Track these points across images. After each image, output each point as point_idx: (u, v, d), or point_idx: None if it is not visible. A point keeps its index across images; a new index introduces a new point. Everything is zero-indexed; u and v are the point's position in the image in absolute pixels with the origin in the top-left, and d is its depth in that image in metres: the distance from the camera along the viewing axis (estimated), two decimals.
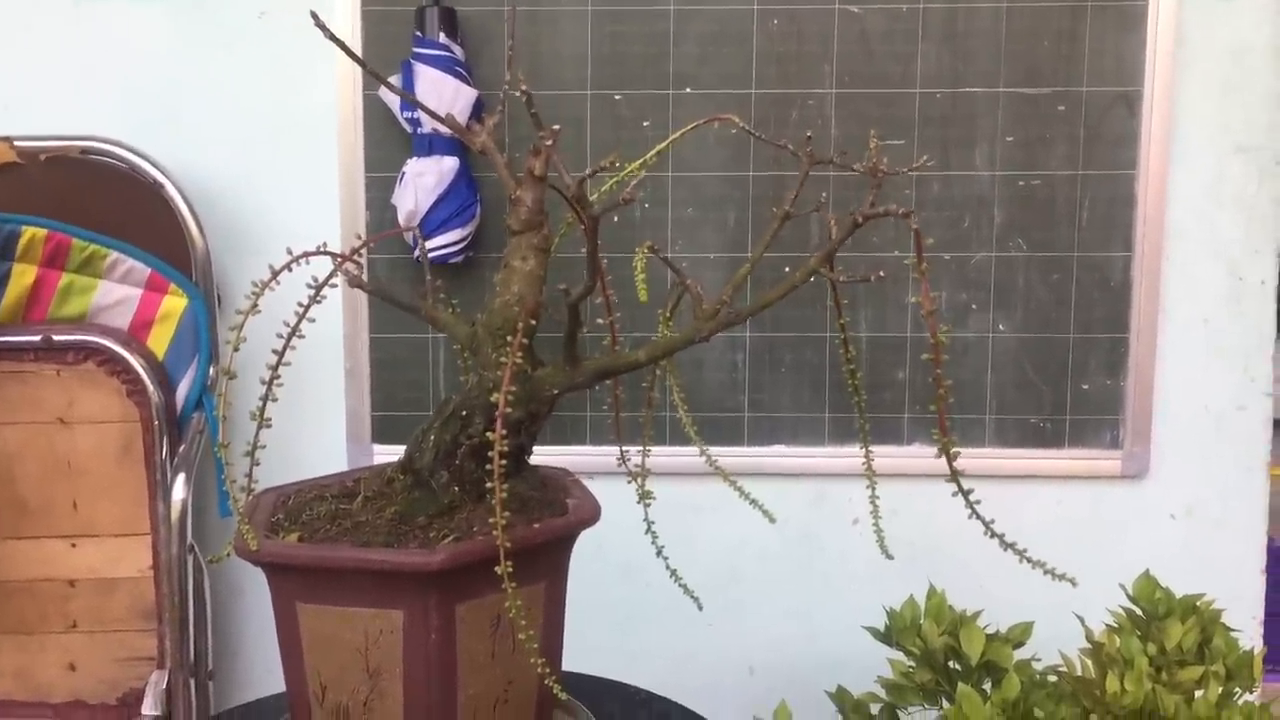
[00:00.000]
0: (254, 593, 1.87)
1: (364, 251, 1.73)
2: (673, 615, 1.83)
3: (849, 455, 1.81)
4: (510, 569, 0.89)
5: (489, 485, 0.89)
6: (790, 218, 1.04)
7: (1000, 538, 0.87)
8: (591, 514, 1.04)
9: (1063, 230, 1.78)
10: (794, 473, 1.82)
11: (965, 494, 0.83)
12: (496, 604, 0.94)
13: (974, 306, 1.79)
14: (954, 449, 0.84)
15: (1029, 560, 0.87)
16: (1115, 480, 1.83)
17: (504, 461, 0.90)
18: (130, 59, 1.79)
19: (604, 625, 1.85)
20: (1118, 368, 1.80)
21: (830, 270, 0.97)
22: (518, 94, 0.81)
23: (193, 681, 1.70)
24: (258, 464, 1.00)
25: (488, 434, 0.91)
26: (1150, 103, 1.74)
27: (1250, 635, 1.79)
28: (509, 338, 0.95)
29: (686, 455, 1.69)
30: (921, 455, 1.81)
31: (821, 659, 1.85)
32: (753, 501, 1.10)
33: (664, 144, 1.02)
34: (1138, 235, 1.77)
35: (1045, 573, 0.87)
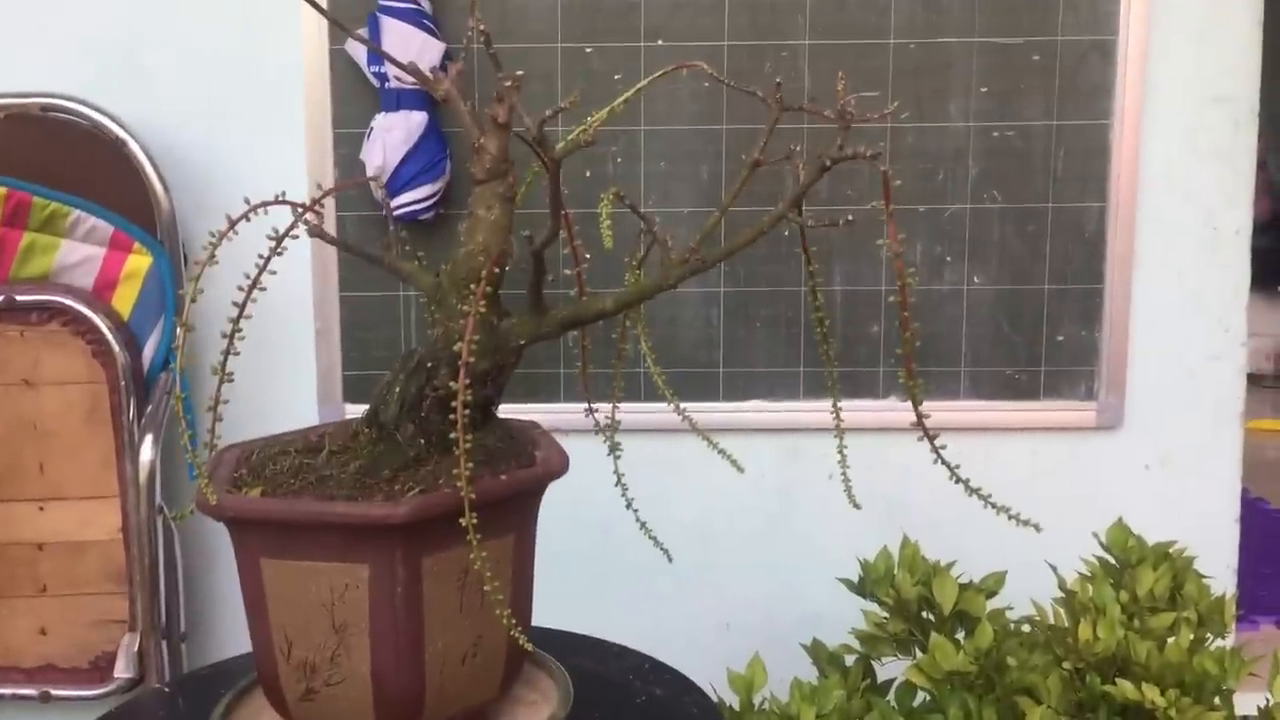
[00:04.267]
0: (225, 554, 1.83)
1: (330, 206, 1.71)
2: (647, 574, 1.82)
3: (824, 410, 1.77)
4: (476, 521, 0.88)
5: (454, 436, 0.88)
6: (760, 165, 1.02)
7: (965, 483, 0.86)
8: (559, 465, 1.03)
9: (1037, 181, 1.77)
10: (769, 428, 1.81)
11: (930, 438, 0.82)
12: (464, 557, 0.93)
13: (948, 259, 1.78)
14: (920, 394, 0.83)
15: (994, 506, 0.86)
16: (1090, 431, 1.83)
17: (469, 412, 0.88)
18: (90, 12, 1.76)
19: (578, 584, 1.84)
20: (1092, 319, 1.79)
21: (799, 216, 0.96)
22: (479, 33, 0.79)
23: (165, 644, 1.69)
24: (220, 419, 0.98)
25: (452, 385, 0.90)
26: (1125, 52, 1.73)
27: (1224, 584, 1.80)
28: (473, 286, 0.94)
29: (660, 412, 1.67)
30: (897, 409, 1.80)
31: (797, 613, 1.85)
32: (720, 450, 1.09)
33: (632, 90, 1.00)
34: (1112, 186, 1.76)
35: (1010, 518, 0.87)
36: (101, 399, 1.68)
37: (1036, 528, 0.86)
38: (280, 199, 0.98)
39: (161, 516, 1.65)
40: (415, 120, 1.68)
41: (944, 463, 0.84)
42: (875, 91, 1.74)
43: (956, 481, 0.85)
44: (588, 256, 1.09)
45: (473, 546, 0.88)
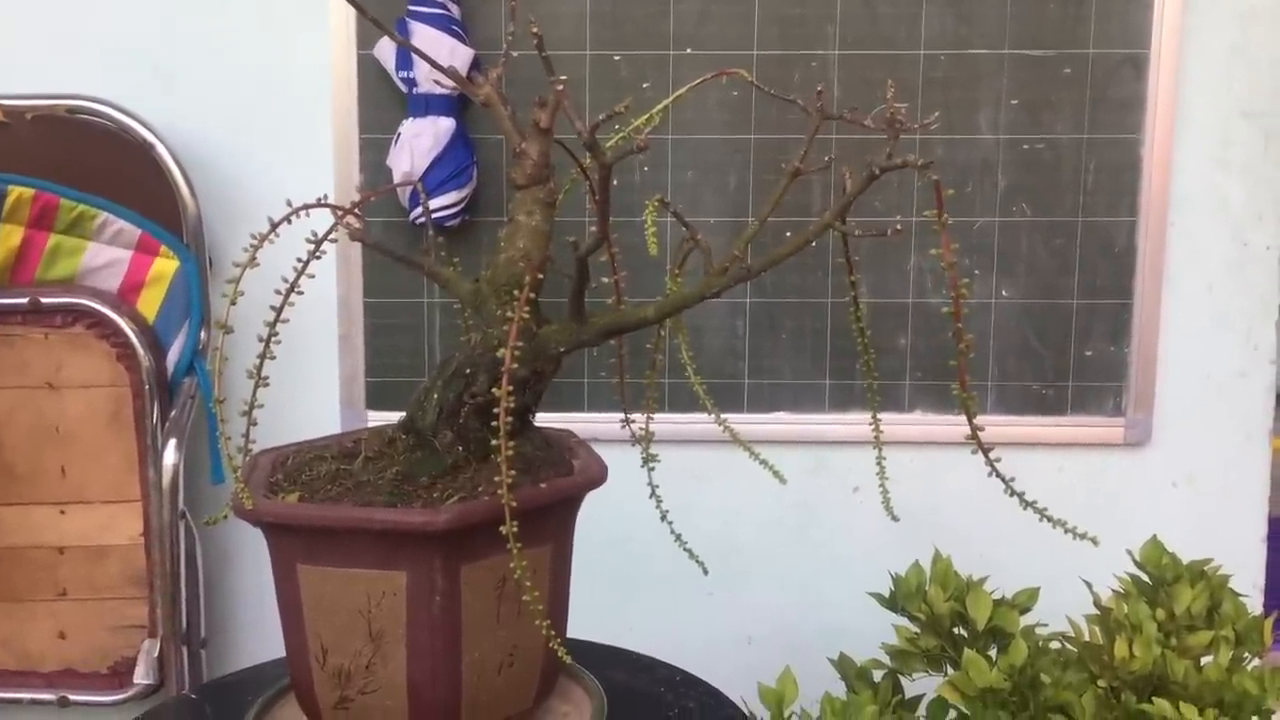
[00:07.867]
0: (247, 560, 1.85)
1: (362, 209, 1.70)
2: (669, 585, 1.82)
3: (849, 422, 1.79)
4: (516, 529, 0.87)
5: (494, 444, 0.87)
6: (800, 174, 1.02)
7: (1020, 495, 0.85)
8: (599, 474, 1.02)
9: (1067, 195, 1.75)
10: (794, 440, 1.80)
11: (985, 450, 0.81)
12: (502, 566, 0.92)
13: (976, 272, 1.76)
14: (974, 407, 0.82)
15: (1048, 519, 0.85)
16: (1117, 448, 1.81)
17: (509, 420, 0.87)
18: (119, 15, 1.75)
19: (600, 595, 1.83)
20: (1121, 334, 1.78)
21: (843, 225, 0.95)
22: (531, 34, 0.79)
23: (185, 649, 1.68)
24: (255, 424, 0.97)
25: (492, 391, 0.89)
26: (1157, 66, 1.72)
27: (1252, 604, 1.78)
28: (515, 293, 0.93)
29: (685, 422, 1.68)
30: (922, 422, 1.79)
31: (821, 627, 1.84)
32: (763, 462, 1.08)
33: (677, 93, 1.00)
34: (1143, 200, 1.75)
35: (1066, 531, 0.86)
36: (125, 403, 1.67)
37: (1094, 541, 0.85)
38: (322, 201, 0.97)
39: (184, 521, 1.64)
40: (443, 126, 1.67)
41: (999, 475, 0.82)
42: (905, 103, 1.72)
43: (1011, 495, 0.84)
44: (620, 260, 1.08)
45: (514, 555, 0.87)
